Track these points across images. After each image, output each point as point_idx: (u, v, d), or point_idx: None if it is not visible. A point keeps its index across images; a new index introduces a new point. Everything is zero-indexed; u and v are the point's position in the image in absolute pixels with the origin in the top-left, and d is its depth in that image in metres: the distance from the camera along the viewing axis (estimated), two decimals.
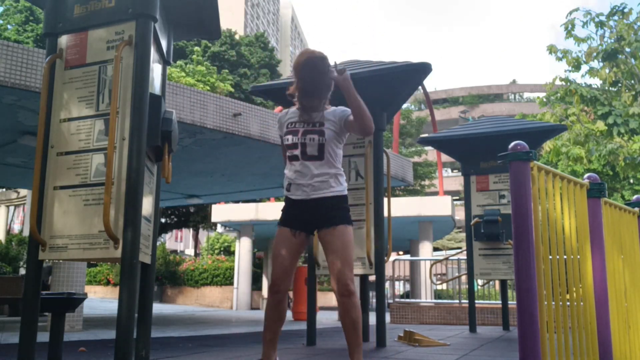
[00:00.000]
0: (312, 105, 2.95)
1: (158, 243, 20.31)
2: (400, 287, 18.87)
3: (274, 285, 2.84)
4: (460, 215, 25.34)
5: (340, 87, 2.83)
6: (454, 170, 47.15)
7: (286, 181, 2.92)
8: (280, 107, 15.37)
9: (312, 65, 2.87)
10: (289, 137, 2.89)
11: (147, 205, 3.24)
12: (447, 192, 21.75)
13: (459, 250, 16.74)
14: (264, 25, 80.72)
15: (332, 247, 2.75)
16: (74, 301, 3.52)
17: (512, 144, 2.56)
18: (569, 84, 12.19)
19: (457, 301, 10.38)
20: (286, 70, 74.71)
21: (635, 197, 3.97)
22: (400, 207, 14.78)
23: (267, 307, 2.88)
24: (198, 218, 23.48)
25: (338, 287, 2.71)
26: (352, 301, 2.70)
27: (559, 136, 11.24)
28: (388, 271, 14.45)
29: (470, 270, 7.51)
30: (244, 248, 19.17)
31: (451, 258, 12.55)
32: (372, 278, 5.91)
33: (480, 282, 10.68)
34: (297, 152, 2.85)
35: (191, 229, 28.26)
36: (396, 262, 12.90)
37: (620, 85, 12.33)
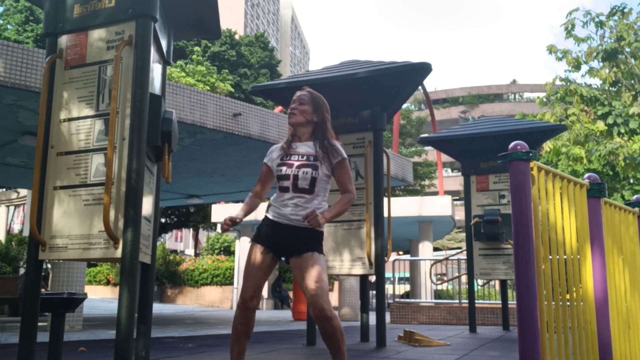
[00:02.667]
0: (301, 134, 2.96)
1: (158, 243, 20.31)
2: (400, 287, 18.85)
3: (245, 301, 2.79)
4: (460, 215, 25.34)
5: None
6: (454, 170, 47.13)
7: (269, 202, 2.93)
8: (280, 107, 15.36)
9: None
10: (283, 168, 2.88)
11: (147, 205, 3.24)
12: (447, 192, 21.76)
13: (459, 250, 16.74)
14: (264, 25, 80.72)
15: (304, 274, 2.73)
16: (74, 301, 3.52)
17: (512, 144, 2.56)
18: (569, 84, 12.19)
19: (457, 301, 10.38)
20: (286, 71, 74.69)
21: (635, 197, 3.97)
22: (400, 207, 14.77)
23: (235, 323, 2.81)
24: (198, 218, 23.47)
25: (314, 313, 2.67)
26: (332, 324, 2.67)
27: (559, 136, 11.24)
28: (388, 271, 14.44)
29: (470, 270, 7.51)
30: (244, 248, 19.17)
31: (451, 258, 12.55)
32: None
33: (480, 282, 10.67)
34: (289, 183, 2.84)
35: (191, 229, 28.26)
36: (396, 262, 12.90)
37: (620, 85, 12.33)
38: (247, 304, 2.79)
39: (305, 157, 2.88)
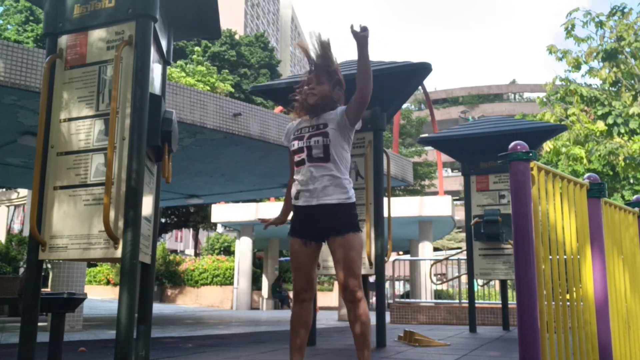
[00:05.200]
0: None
1: (158, 243, 20.31)
2: (400, 287, 18.87)
3: (299, 294, 2.84)
4: (460, 215, 25.34)
5: (357, 43, 2.76)
6: (454, 170, 47.13)
7: (295, 189, 2.88)
8: (280, 107, 15.37)
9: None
10: (295, 142, 2.89)
11: (147, 205, 3.24)
12: (447, 192, 21.75)
13: (459, 250, 16.74)
14: (264, 25, 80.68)
15: (337, 256, 2.74)
16: (74, 301, 3.52)
17: (512, 144, 2.56)
18: (569, 84, 12.19)
19: (457, 301, 10.38)
20: (286, 71, 74.66)
21: (635, 197, 3.97)
22: (400, 207, 14.77)
23: (292, 315, 2.85)
24: (198, 218, 23.47)
25: (345, 295, 2.71)
26: (364, 307, 2.70)
27: (559, 136, 11.23)
28: (388, 271, 14.44)
29: (470, 270, 7.51)
30: (244, 248, 19.18)
31: (451, 258, 12.55)
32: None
33: (480, 282, 10.67)
34: (304, 155, 2.84)
35: (191, 229, 28.26)
36: (396, 262, 12.90)
37: (620, 85, 12.33)
38: (302, 296, 2.82)
39: (314, 127, 2.88)
